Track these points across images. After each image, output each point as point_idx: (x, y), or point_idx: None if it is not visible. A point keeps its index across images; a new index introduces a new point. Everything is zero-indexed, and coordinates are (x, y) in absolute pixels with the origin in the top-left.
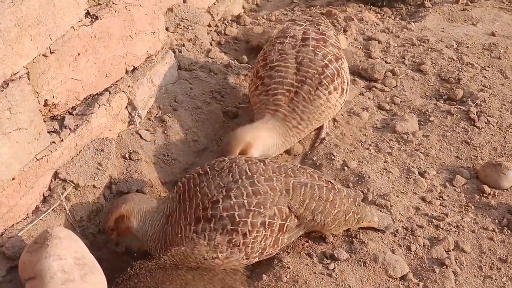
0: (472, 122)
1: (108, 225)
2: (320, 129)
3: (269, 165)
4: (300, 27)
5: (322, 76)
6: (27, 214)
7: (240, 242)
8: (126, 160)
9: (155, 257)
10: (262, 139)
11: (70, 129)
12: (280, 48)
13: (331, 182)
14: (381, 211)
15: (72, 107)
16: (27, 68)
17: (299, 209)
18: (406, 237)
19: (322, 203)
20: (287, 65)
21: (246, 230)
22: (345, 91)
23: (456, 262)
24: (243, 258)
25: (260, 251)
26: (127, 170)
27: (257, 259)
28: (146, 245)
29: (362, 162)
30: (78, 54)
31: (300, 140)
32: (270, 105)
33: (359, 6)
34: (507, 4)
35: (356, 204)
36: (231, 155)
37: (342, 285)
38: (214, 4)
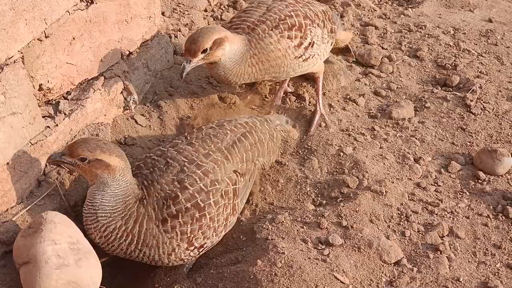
0: (468, 109)
1: (84, 155)
2: (313, 113)
3: (195, 143)
4: None
5: (281, 22)
6: (22, 199)
7: (208, 223)
8: (121, 145)
9: None
10: (234, 38)
11: (65, 114)
12: (263, 1)
13: (245, 122)
14: (376, 197)
15: (67, 91)
16: (21, 53)
17: (242, 167)
18: (401, 223)
19: (255, 148)
20: (257, 10)
21: (211, 209)
22: (303, 46)
23: (450, 247)
24: (213, 236)
25: (224, 222)
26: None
27: (223, 233)
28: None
29: (358, 148)
30: (73, 38)
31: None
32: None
33: None
34: None
35: (272, 127)
36: (197, 50)
37: (336, 270)
38: None
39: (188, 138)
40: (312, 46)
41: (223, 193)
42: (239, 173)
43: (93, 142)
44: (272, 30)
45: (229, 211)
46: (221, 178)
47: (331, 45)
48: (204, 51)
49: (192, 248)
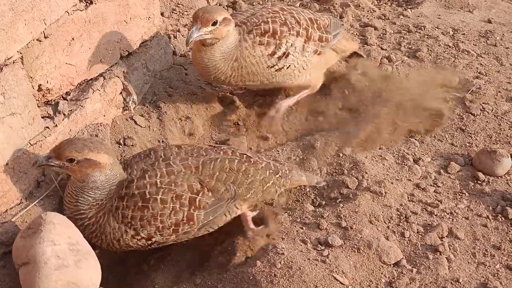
0: (467, 109)
1: (73, 156)
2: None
3: (183, 148)
4: (287, 6)
5: (255, 27)
6: (21, 200)
7: (150, 217)
8: (120, 146)
9: None
10: (233, 22)
11: (64, 114)
12: (256, 7)
13: (247, 156)
14: (376, 198)
15: (66, 92)
16: (21, 53)
17: (210, 182)
18: (400, 224)
19: (234, 174)
20: (241, 14)
21: (156, 206)
22: (277, 56)
23: (449, 248)
24: (156, 234)
25: (173, 226)
26: (121, 156)
27: (174, 237)
28: (80, 203)
29: (357, 148)
30: (73, 39)
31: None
32: None
33: None
34: None
35: (278, 176)
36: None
37: (336, 271)
38: None
39: (184, 146)
40: (286, 57)
41: (175, 196)
42: (204, 185)
43: (79, 142)
44: (247, 34)
45: (180, 217)
46: (181, 182)
47: (319, 54)
48: (215, 23)
49: (138, 237)
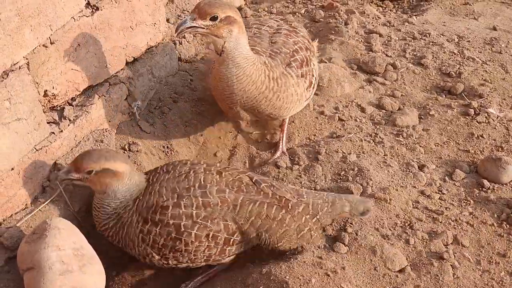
0: (473, 117)
1: (92, 167)
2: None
3: (224, 177)
4: (276, 21)
5: (292, 59)
6: (26, 205)
7: (182, 249)
8: (125, 152)
9: None
10: (245, 32)
11: (69, 120)
12: (256, 31)
13: (285, 199)
14: (380, 205)
15: (72, 98)
16: (27, 59)
17: (244, 225)
18: (405, 231)
19: (268, 222)
20: (261, 40)
21: (189, 240)
22: (312, 85)
23: (454, 256)
24: (187, 263)
25: (205, 258)
26: None
27: (203, 264)
28: (102, 213)
29: (362, 155)
30: (78, 45)
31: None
32: None
33: None
34: None
35: (314, 220)
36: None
37: (341, 278)
38: None
39: (225, 173)
40: (315, 81)
41: (211, 236)
42: (238, 227)
43: (95, 153)
44: (287, 67)
45: (214, 252)
46: (217, 219)
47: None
48: (214, 18)
49: (165, 261)
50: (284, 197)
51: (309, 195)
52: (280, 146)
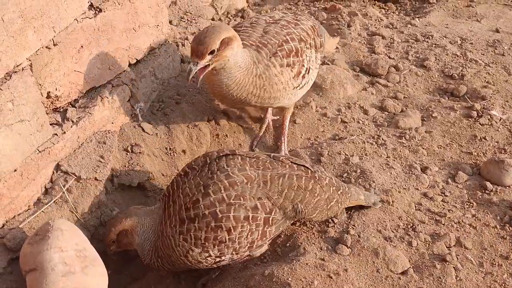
0: (475, 119)
1: (110, 239)
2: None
3: (246, 159)
4: (283, 13)
5: (279, 48)
6: (29, 206)
7: (226, 239)
8: (128, 153)
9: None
10: (240, 41)
11: (72, 121)
12: (254, 21)
13: (311, 171)
14: (383, 207)
15: (75, 99)
16: (30, 60)
17: (278, 199)
18: (408, 233)
19: (302, 192)
20: (254, 31)
21: (230, 225)
22: (301, 75)
23: (457, 258)
24: (233, 254)
25: (248, 245)
26: (129, 163)
27: (247, 253)
28: (143, 257)
29: (364, 157)
30: (81, 46)
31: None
32: None
33: (363, 1)
34: (511, 1)
35: (339, 192)
36: (208, 41)
37: (343, 279)
38: None
39: (247, 154)
40: (308, 73)
41: (251, 218)
42: (273, 203)
43: (107, 226)
44: (271, 57)
45: (256, 236)
46: (249, 196)
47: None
48: (212, 52)
49: (206, 254)
50: (310, 169)
51: (323, 171)
52: (282, 148)
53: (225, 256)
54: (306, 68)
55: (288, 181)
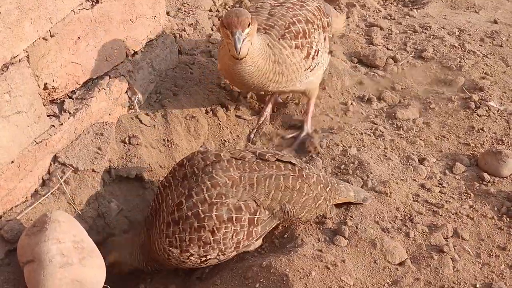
0: (473, 110)
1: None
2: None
3: (232, 161)
4: None
5: (287, 31)
6: (26, 198)
7: (210, 240)
8: (125, 145)
9: None
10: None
11: (69, 113)
12: (259, 5)
13: (298, 169)
14: (380, 198)
15: (72, 91)
16: (27, 52)
17: (266, 200)
18: (405, 224)
19: (289, 192)
20: (259, 15)
21: (212, 225)
22: (311, 56)
23: (454, 249)
24: (219, 255)
25: (234, 245)
26: (126, 155)
27: (234, 253)
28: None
29: (362, 148)
30: (78, 37)
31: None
32: None
33: None
34: None
35: (328, 189)
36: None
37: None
38: None
39: (233, 155)
40: (317, 54)
41: (235, 219)
42: (259, 205)
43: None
44: (280, 39)
45: (241, 237)
46: (232, 195)
47: (329, 42)
48: (249, 25)
49: (188, 254)
50: (296, 165)
51: (311, 168)
52: (305, 128)
53: (211, 256)
54: (315, 50)
55: (275, 182)
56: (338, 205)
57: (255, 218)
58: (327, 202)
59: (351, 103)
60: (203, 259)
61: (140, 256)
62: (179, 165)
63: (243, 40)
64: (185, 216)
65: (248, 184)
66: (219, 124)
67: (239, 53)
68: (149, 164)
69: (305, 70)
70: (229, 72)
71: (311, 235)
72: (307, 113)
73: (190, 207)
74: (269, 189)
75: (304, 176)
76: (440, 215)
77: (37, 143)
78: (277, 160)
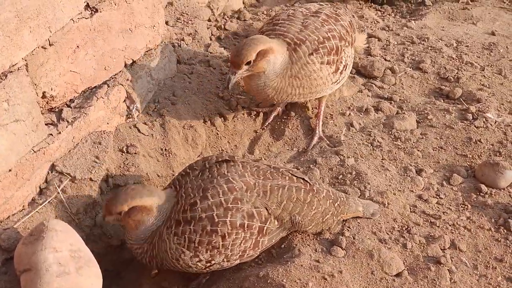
0: (471, 121)
1: (119, 210)
2: (313, 133)
3: (247, 167)
4: (318, 4)
5: (321, 45)
6: (23, 206)
7: (219, 244)
8: (123, 154)
9: None
10: (279, 48)
11: (67, 121)
12: (291, 13)
13: (309, 184)
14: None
15: (70, 99)
16: (25, 60)
17: (277, 210)
18: (402, 235)
19: (300, 204)
20: (292, 24)
21: (225, 231)
22: (339, 71)
23: (451, 260)
24: (223, 261)
25: (240, 253)
26: (124, 164)
27: (238, 261)
28: (135, 250)
29: (360, 159)
30: (77, 46)
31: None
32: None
33: (360, 3)
34: (507, 4)
35: (336, 205)
36: (239, 61)
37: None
38: None
39: (247, 162)
40: (345, 69)
41: (246, 226)
42: (270, 213)
43: (121, 195)
44: (312, 54)
45: (248, 245)
46: (246, 201)
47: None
48: (248, 63)
49: (197, 259)
50: (309, 182)
51: (321, 184)
52: (317, 132)
53: (215, 261)
54: (344, 65)
55: (287, 192)
56: None
57: (265, 227)
58: (334, 217)
59: (349, 114)
60: (208, 264)
61: (151, 239)
62: (196, 161)
63: (235, 77)
64: (198, 218)
65: (262, 191)
66: (217, 134)
67: (229, 88)
68: (146, 173)
69: (332, 84)
70: (248, 86)
71: (308, 245)
72: (318, 117)
73: (205, 209)
74: (281, 199)
75: (315, 191)
76: (438, 226)
77: (35, 151)
78: (291, 174)
